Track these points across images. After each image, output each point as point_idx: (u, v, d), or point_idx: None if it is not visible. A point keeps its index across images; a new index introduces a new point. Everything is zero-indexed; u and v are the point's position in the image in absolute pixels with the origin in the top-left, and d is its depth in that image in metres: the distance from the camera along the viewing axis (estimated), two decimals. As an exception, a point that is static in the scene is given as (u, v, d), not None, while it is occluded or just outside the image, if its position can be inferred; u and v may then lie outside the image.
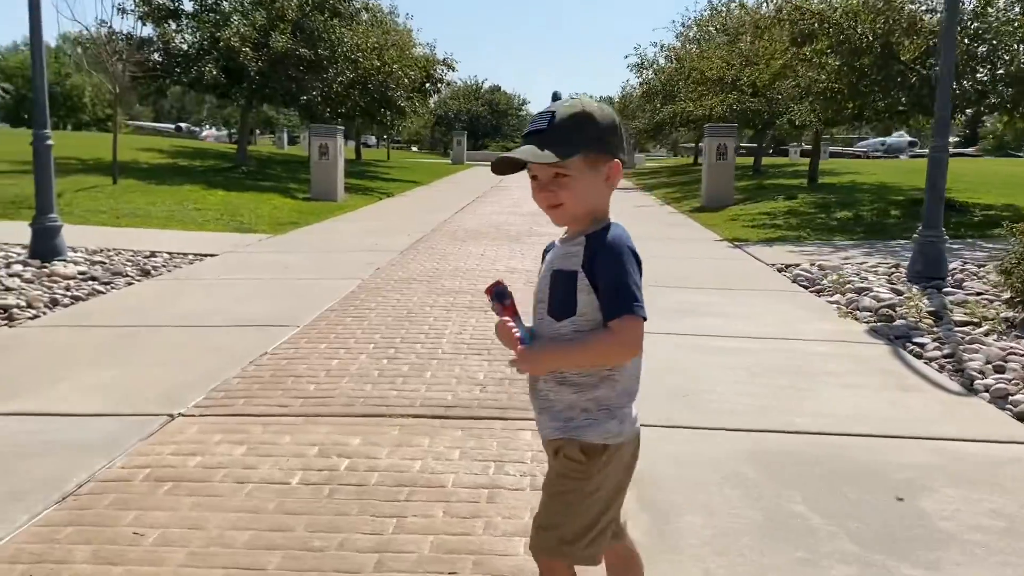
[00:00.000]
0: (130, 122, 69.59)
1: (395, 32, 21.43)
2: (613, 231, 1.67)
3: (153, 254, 8.75)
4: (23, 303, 6.16)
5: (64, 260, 7.72)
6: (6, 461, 3.18)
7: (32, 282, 6.86)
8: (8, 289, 6.59)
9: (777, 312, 6.13)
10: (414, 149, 72.66)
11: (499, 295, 1.70)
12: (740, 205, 15.44)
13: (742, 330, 5.45)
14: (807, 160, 22.37)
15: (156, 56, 17.19)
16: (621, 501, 1.80)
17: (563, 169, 1.65)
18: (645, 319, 1.61)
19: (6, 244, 8.82)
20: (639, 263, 1.65)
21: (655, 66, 28.02)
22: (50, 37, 61.45)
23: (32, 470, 3.10)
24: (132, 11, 17.15)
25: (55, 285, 6.84)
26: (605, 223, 1.69)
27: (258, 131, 76.94)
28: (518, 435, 3.53)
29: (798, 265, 8.28)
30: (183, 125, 69.80)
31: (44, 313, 6.06)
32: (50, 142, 7.71)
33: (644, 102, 28.71)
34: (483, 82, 65.17)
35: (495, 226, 12.07)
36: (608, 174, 1.69)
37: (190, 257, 8.78)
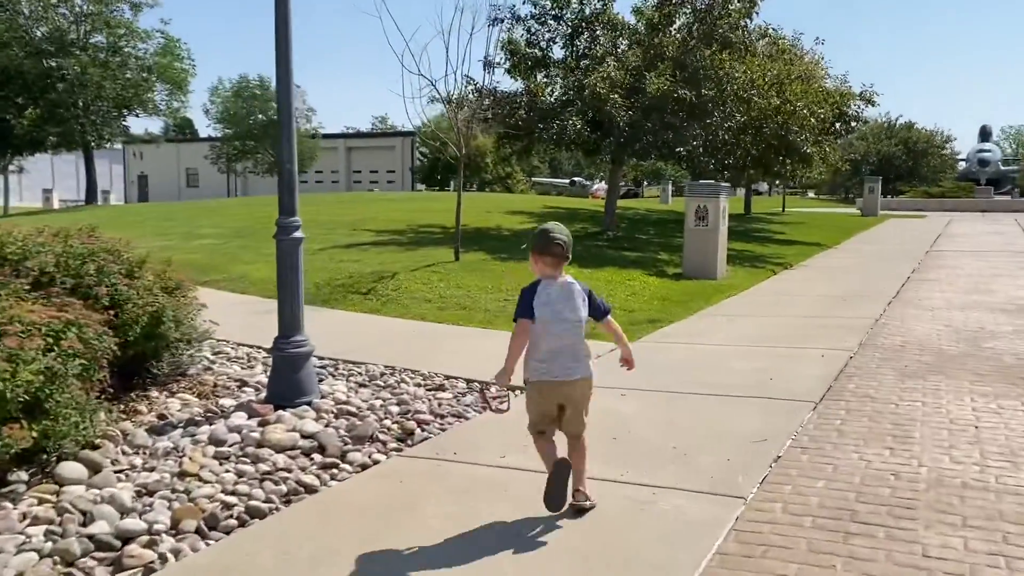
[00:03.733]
0: (529, 178, 73.36)
1: (799, 62, 17.47)
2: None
3: (441, 386, 6.11)
4: (165, 525, 3.67)
5: (308, 405, 5.32)
6: None
7: (228, 460, 4.45)
8: (182, 475, 4.22)
9: None
10: (811, 195, 66.15)
11: None
12: None
13: None
14: None
15: (522, 112, 15.40)
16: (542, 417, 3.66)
17: None
18: (515, 320, 3.63)
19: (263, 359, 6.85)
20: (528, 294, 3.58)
21: None
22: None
23: None
24: (499, 64, 15.62)
25: (256, 466, 4.34)
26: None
27: (645, 183, 76.38)
28: None
29: None
30: (577, 179, 71.43)
31: (207, 543, 3.51)
32: (298, 234, 5.42)
33: None
34: (896, 118, 56.90)
35: (969, 338, 7.61)
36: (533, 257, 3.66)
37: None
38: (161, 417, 5.11)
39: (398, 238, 14.61)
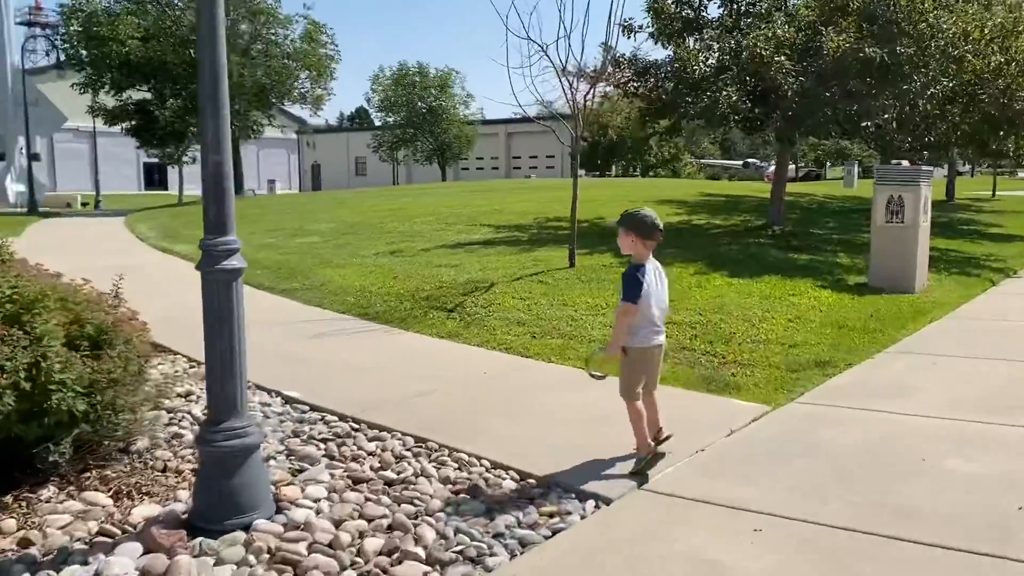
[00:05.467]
0: (698, 161, 68.99)
1: (1029, 7, 13.73)
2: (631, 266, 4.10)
3: (476, 486, 4.05)
4: None
5: (244, 530, 3.43)
6: None
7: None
8: None
9: None
10: (1021, 175, 57.93)
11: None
12: None
13: None
14: None
15: (667, 84, 12.92)
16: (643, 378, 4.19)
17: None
18: (629, 302, 4.04)
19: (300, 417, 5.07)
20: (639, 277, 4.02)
21: None
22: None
23: None
24: (641, 28, 13.19)
25: None
26: (633, 263, 4.09)
27: (828, 163, 69.71)
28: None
29: None
30: (751, 161, 66.43)
31: None
32: (235, 263, 3.49)
33: None
34: None
35: None
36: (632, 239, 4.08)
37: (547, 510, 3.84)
38: (24, 544, 3.39)
39: (516, 235, 12.64)
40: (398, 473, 4.23)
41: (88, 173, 56.89)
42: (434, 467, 4.32)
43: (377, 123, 59.03)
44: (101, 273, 5.00)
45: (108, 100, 26.17)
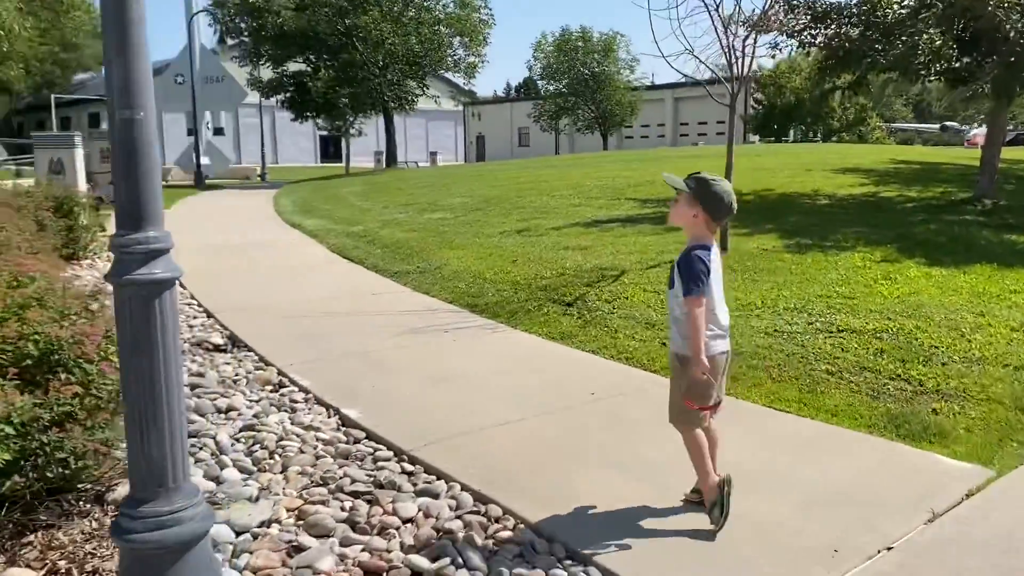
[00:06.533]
0: (887, 124, 63.13)
1: None
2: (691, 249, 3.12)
3: (530, 599, 2.78)
4: None
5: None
6: None
7: None
8: None
9: None
10: None
11: None
12: None
13: None
14: None
15: (852, 30, 10.80)
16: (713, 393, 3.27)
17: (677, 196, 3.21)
18: (696, 296, 3.04)
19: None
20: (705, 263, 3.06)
21: None
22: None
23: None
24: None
25: None
26: (692, 244, 3.13)
27: (1047, 125, 61.47)
28: None
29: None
30: (950, 124, 60.06)
31: None
32: (160, 272, 2.36)
33: None
34: None
35: None
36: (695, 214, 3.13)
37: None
38: None
39: (662, 211, 11.03)
40: (434, 560, 3.02)
41: (268, 146, 59.61)
42: (489, 543, 3.08)
43: (541, 92, 57.90)
44: (205, 252, 4.11)
45: (267, 72, 26.59)
